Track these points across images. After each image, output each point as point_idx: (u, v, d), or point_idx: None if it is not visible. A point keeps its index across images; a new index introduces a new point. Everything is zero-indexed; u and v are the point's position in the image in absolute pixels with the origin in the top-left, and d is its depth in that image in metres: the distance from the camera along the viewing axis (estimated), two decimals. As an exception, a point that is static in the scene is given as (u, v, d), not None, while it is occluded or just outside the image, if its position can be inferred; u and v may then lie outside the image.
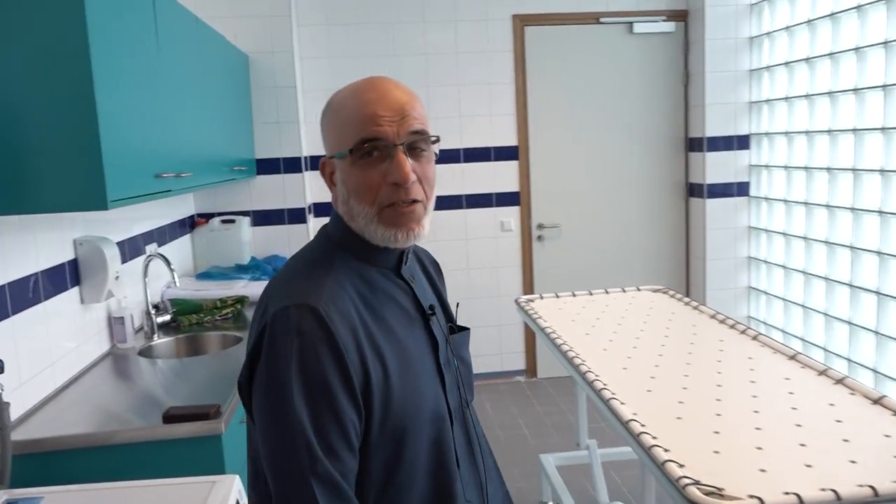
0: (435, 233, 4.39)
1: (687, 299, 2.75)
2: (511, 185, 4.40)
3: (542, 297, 2.94)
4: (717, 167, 4.31)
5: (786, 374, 1.91)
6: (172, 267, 2.63)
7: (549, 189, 4.46)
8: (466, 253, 4.42)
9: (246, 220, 3.85)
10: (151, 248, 3.05)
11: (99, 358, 2.39)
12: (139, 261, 2.88)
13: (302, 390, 0.96)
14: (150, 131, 2.04)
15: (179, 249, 3.56)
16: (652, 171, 4.52)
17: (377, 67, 4.19)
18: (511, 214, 4.43)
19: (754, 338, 2.22)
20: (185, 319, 2.85)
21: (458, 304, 1.26)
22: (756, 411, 1.68)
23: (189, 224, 3.78)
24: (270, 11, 3.83)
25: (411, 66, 4.23)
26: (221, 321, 2.90)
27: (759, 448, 1.49)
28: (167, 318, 2.78)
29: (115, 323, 2.52)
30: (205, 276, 3.41)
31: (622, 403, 1.75)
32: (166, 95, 2.21)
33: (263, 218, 3.94)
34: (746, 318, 4.43)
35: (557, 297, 2.95)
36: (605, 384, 1.88)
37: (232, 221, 3.80)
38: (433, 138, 1.10)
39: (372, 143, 1.03)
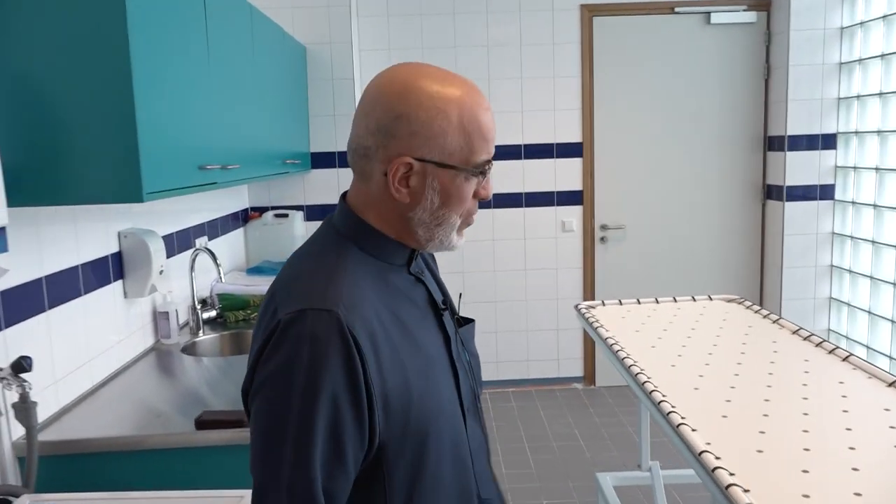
0: (492, 231, 4.24)
1: (765, 311, 2.51)
2: (574, 183, 4.20)
3: (604, 304, 2.75)
4: (798, 168, 4.00)
5: (885, 403, 1.68)
6: (219, 262, 2.55)
7: (613, 188, 4.24)
8: (524, 253, 4.24)
9: (299, 215, 3.78)
10: (201, 242, 2.99)
11: (141, 354, 2.33)
12: (187, 254, 2.82)
13: (305, 406, 0.89)
14: (194, 122, 1.95)
15: (232, 243, 3.51)
16: (726, 171, 4.24)
17: (437, 59, 4.05)
18: (573, 214, 4.22)
19: (845, 359, 1.98)
20: (232, 315, 2.78)
21: (460, 294, 1.21)
22: (852, 448, 1.46)
23: (243, 218, 3.73)
24: (329, 2, 3.74)
25: (473, 59, 4.07)
26: (269, 318, 2.81)
27: (858, 495, 1.28)
28: (213, 313, 2.71)
29: (159, 318, 2.46)
30: (255, 270, 3.34)
31: (693, 430, 1.56)
32: (214, 86, 2.13)
33: (317, 213, 3.86)
34: (826, 331, 4.11)
35: (621, 303, 2.75)
36: (673, 406, 1.69)
37: (285, 216, 3.74)
38: None
39: (489, 163, 1.04)
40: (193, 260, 2.61)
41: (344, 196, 1.10)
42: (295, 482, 0.88)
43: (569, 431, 3.78)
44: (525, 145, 4.15)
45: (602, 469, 3.34)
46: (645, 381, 1.85)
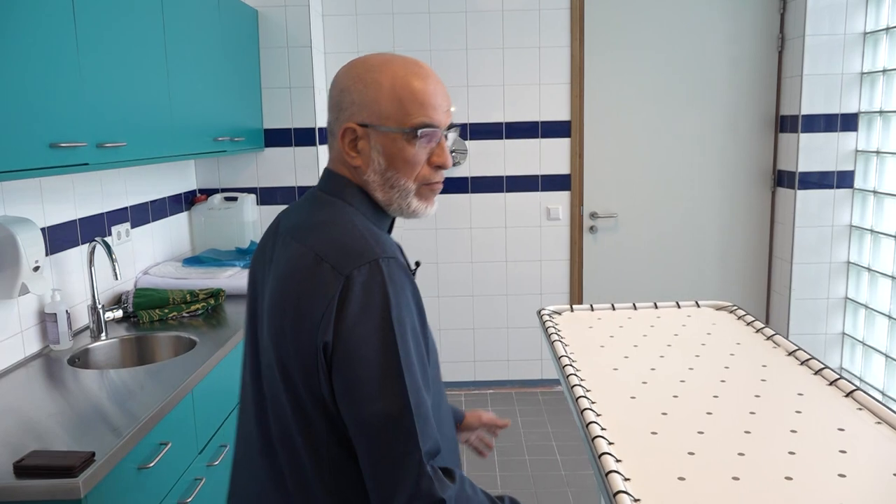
0: (470, 218, 3.85)
1: (759, 324, 2.10)
2: (561, 166, 3.78)
3: (572, 310, 2.35)
4: (813, 152, 3.55)
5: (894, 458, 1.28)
6: (114, 257, 2.19)
7: (605, 173, 3.82)
8: (505, 243, 3.85)
9: (251, 199, 3.42)
10: (120, 229, 2.64)
11: (14, 365, 1.99)
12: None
13: (401, 341, 1.00)
14: (44, 88, 1.58)
15: (172, 229, 3.16)
16: (732, 154, 3.80)
17: (409, 25, 3.65)
18: (559, 200, 3.81)
19: (848, 394, 1.58)
20: (146, 315, 2.43)
21: (417, 262, 1.25)
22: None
23: (187, 200, 3.37)
24: (285, -41, 3.34)
25: (449, 26, 3.65)
26: (189, 318, 2.46)
27: None
28: (119, 314, 2.36)
29: (47, 320, 2.12)
30: (194, 261, 2.99)
31: (636, 501, 1.18)
32: (95, 48, 1.76)
33: (272, 196, 3.49)
34: (840, 335, 3.68)
35: (592, 309, 2.36)
36: (616, 465, 1.31)
37: (234, 199, 3.38)
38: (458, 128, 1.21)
39: (431, 129, 1.11)
40: (91, 254, 2.25)
41: (328, 169, 1.18)
42: (418, 403, 0.99)
43: (545, 444, 3.41)
44: (507, 123, 3.74)
45: (576, 490, 2.98)
46: (590, 422, 1.46)
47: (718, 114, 3.75)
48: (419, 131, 1.09)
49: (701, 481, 1.25)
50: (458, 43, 3.67)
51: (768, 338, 2.00)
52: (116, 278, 2.22)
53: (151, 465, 1.58)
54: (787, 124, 3.68)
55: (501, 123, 3.74)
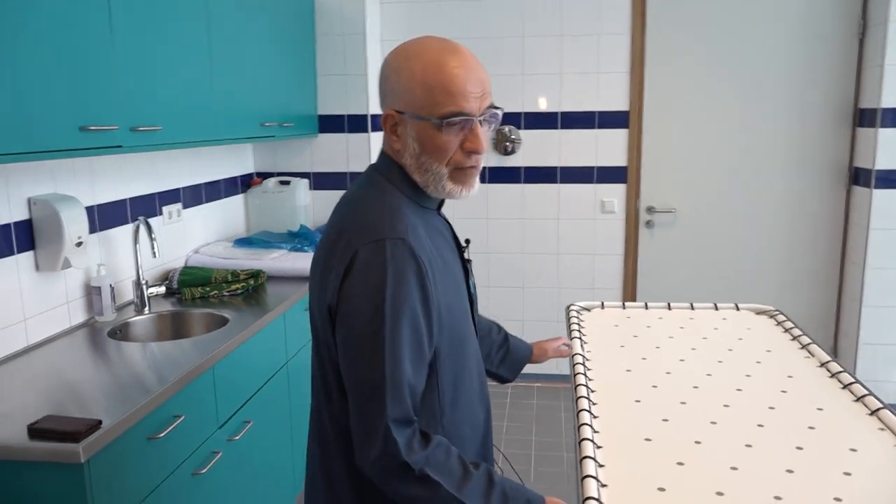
0: (522, 209, 3.80)
1: (798, 331, 1.98)
2: (617, 158, 3.67)
3: (602, 307, 2.29)
4: (893, 148, 3.30)
5: (905, 492, 1.18)
6: (153, 236, 2.30)
7: (664, 165, 3.68)
8: (557, 235, 3.78)
9: (304, 183, 3.49)
10: (172, 209, 2.76)
11: (59, 334, 2.12)
12: (152, 222, 2.61)
13: (393, 319, 1.08)
14: (75, 73, 1.67)
15: (226, 211, 3.28)
16: (804, 149, 3.58)
17: (465, 16, 3.62)
18: (615, 193, 3.71)
19: (873, 412, 1.46)
20: (188, 292, 2.53)
21: (467, 240, 1.38)
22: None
23: (244, 183, 3.48)
24: (343, -53, 3.38)
25: (506, 13, 3.60)
26: (230, 297, 2.55)
27: None
28: (162, 290, 2.47)
29: (93, 293, 2.25)
30: (244, 242, 3.09)
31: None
32: (130, 33, 1.84)
33: (325, 181, 3.56)
34: (916, 347, 3.42)
35: (624, 307, 2.29)
36: (597, 470, 1.26)
37: (287, 183, 3.46)
38: (500, 111, 1.21)
39: (462, 117, 1.14)
40: (136, 231, 2.36)
41: (382, 149, 1.26)
42: (394, 373, 1.08)
43: (588, 440, 3.33)
44: (562, 113, 3.66)
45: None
46: (583, 424, 1.42)
47: (790, 105, 3.54)
48: (446, 121, 1.13)
49: (682, 493, 1.20)
50: (515, 30, 3.61)
51: (803, 346, 1.88)
52: (154, 256, 2.33)
53: (161, 435, 1.65)
54: (865, 118, 3.43)
55: (557, 113, 3.66)
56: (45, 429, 1.44)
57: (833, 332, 3.74)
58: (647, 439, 1.38)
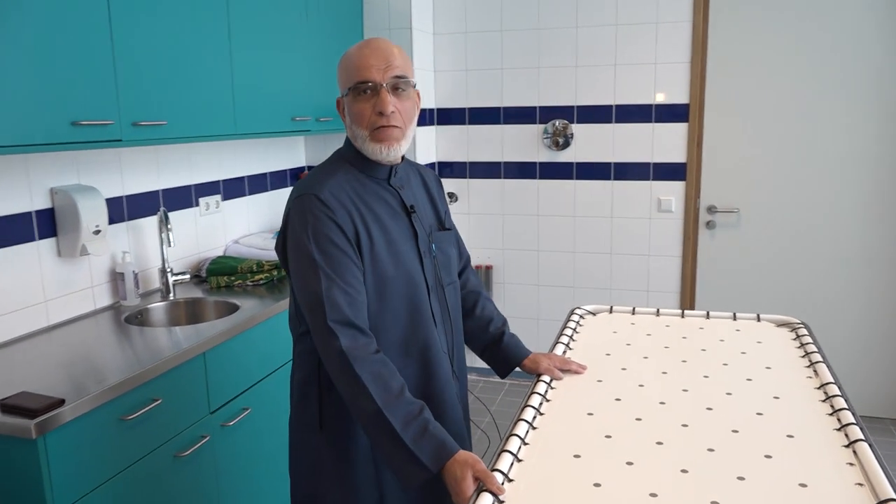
0: (574, 206, 3.66)
1: (814, 347, 1.78)
2: (676, 154, 3.46)
3: (610, 311, 2.17)
4: None
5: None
6: (169, 226, 2.41)
7: (727, 162, 3.43)
8: (610, 234, 3.61)
9: (350, 177, 3.53)
10: (210, 201, 2.88)
11: (81, 316, 2.26)
12: (189, 213, 2.75)
13: (317, 246, 1.39)
14: (70, 65, 1.77)
15: (276, 202, 3.38)
16: (890, 146, 3.21)
17: (517, 6, 3.53)
18: (673, 191, 3.49)
19: (850, 444, 1.28)
20: (214, 281, 2.63)
21: (412, 206, 1.56)
22: None
23: (293, 176, 3.58)
24: (393, -59, 3.38)
25: (558, 4, 3.48)
26: (253, 287, 2.63)
27: None
28: (186, 278, 2.58)
29: (118, 279, 2.38)
30: (285, 233, 3.17)
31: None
32: (132, 28, 1.93)
33: (372, 175, 3.58)
34: None
35: (634, 312, 2.15)
36: (490, 495, 1.19)
37: (334, 177, 3.51)
38: (412, 83, 1.48)
39: (364, 84, 1.43)
40: (161, 221, 2.48)
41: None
42: (328, 286, 1.36)
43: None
44: (616, 106, 3.49)
45: None
46: (512, 434, 1.34)
47: (875, 96, 3.19)
48: (352, 89, 1.44)
49: (581, 517, 1.10)
50: (569, 20, 3.47)
51: (811, 364, 1.69)
52: (169, 245, 2.43)
53: (131, 417, 1.72)
54: (964, 110, 3.03)
55: (611, 106, 3.50)
56: (13, 405, 1.54)
57: (923, 350, 3.35)
58: (577, 455, 1.29)
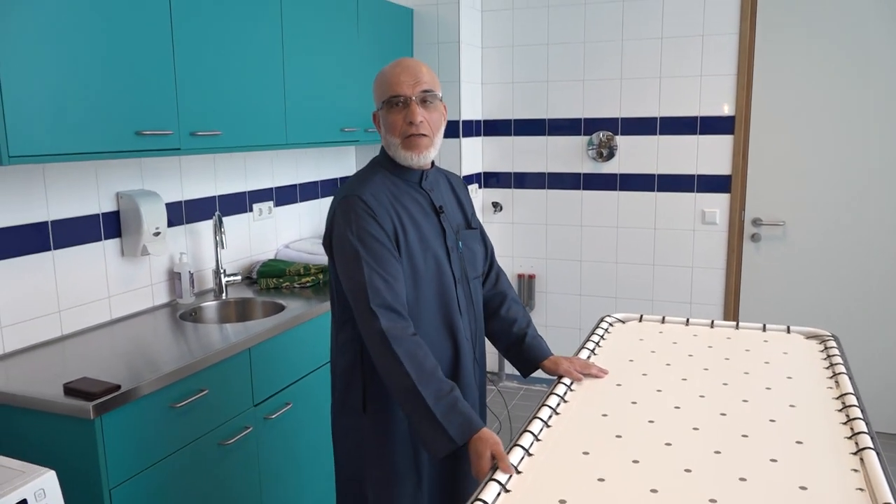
0: (617, 217, 3.68)
1: (839, 359, 1.78)
2: (721, 166, 3.45)
3: (640, 320, 2.20)
4: None
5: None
6: (223, 229, 2.57)
7: (773, 174, 3.40)
8: (654, 245, 3.63)
9: (397, 186, 3.66)
10: (263, 207, 3.04)
11: (141, 311, 2.43)
12: (243, 217, 2.91)
13: (360, 241, 1.55)
14: (129, 78, 1.93)
15: (327, 209, 3.53)
16: (946, 158, 3.13)
17: (564, 21, 3.60)
18: (717, 203, 3.48)
19: (857, 451, 1.30)
20: (264, 282, 2.79)
21: (441, 207, 1.74)
22: None
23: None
24: (442, -41, 3.50)
25: (605, 17, 3.53)
26: (300, 289, 2.77)
27: None
28: (238, 279, 2.74)
29: (175, 278, 2.55)
30: (334, 239, 3.31)
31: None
32: (193, 43, 2.09)
33: (418, 184, 3.70)
34: None
35: (663, 321, 2.18)
36: (497, 483, 1.26)
37: (382, 186, 3.64)
38: (439, 96, 1.67)
39: (396, 98, 1.61)
40: (216, 225, 2.64)
41: None
42: (371, 274, 1.53)
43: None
44: (661, 118, 3.51)
45: None
46: (525, 430, 1.41)
47: (929, 110, 3.12)
48: (389, 103, 1.62)
49: (579, 508, 1.17)
50: (614, 34, 3.52)
51: (833, 375, 1.70)
52: (223, 247, 2.59)
53: (180, 405, 1.86)
54: None
55: (656, 118, 3.52)
56: (75, 388, 1.70)
57: (980, 371, 3.23)
58: (586, 452, 1.35)
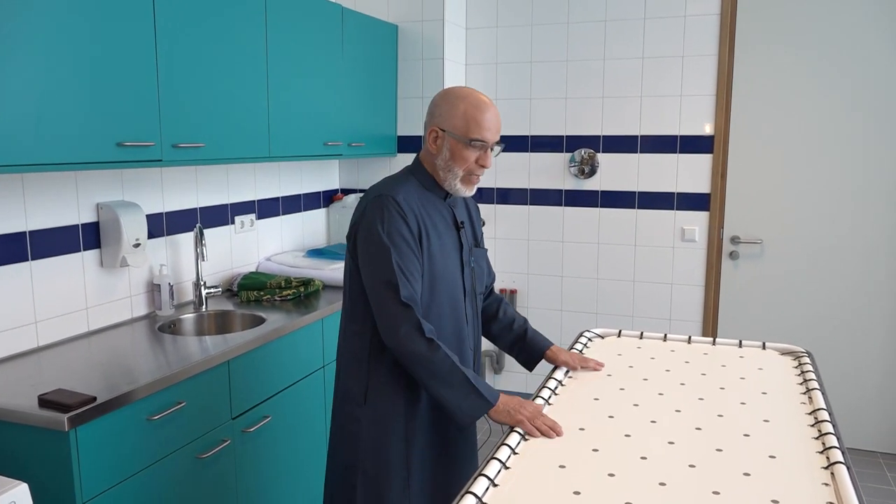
0: (598, 233, 3.72)
1: (812, 376, 1.81)
2: (700, 184, 3.50)
3: (619, 335, 2.22)
4: None
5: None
6: (203, 241, 2.56)
7: (751, 193, 3.46)
8: (634, 262, 3.66)
9: (380, 200, 3.67)
10: (245, 219, 3.04)
11: (119, 323, 2.41)
12: (224, 230, 2.90)
13: (389, 238, 1.65)
14: (117, 90, 1.93)
15: (309, 222, 3.53)
16: (918, 179, 3.20)
17: (547, 37, 3.65)
18: (696, 221, 3.53)
19: (828, 466, 1.32)
20: (245, 295, 2.78)
21: (462, 222, 1.87)
22: None
23: (327, 198, 3.73)
24: (427, -24, 3.54)
25: (588, 36, 3.58)
26: (280, 301, 2.76)
27: None
28: (218, 291, 2.73)
29: (154, 290, 2.54)
30: (316, 253, 3.31)
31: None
32: (176, 56, 2.10)
33: (401, 199, 3.71)
34: None
35: (641, 336, 2.20)
36: (478, 487, 1.26)
37: (365, 200, 3.65)
38: (503, 145, 1.81)
39: (482, 142, 1.72)
40: (196, 237, 2.63)
41: (418, 152, 1.85)
42: (398, 269, 1.63)
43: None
44: (642, 136, 3.55)
45: None
46: (502, 444, 1.42)
47: (902, 132, 3.19)
48: (472, 142, 1.71)
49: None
50: (597, 53, 3.57)
51: (806, 391, 1.72)
52: (204, 259, 2.58)
53: (157, 417, 1.84)
54: None
55: (637, 136, 3.56)
56: (50, 400, 1.68)
57: (952, 388, 3.29)
58: (562, 466, 1.36)
